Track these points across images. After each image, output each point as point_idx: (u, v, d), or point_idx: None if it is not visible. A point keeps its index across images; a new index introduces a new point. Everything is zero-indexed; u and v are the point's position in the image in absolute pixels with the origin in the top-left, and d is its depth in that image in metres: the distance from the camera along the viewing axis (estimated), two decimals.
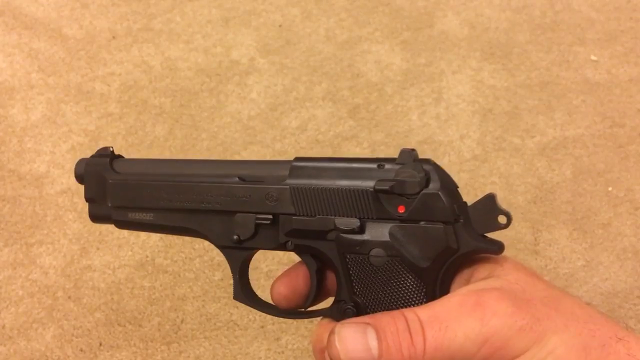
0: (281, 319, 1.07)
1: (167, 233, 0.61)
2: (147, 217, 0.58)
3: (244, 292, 0.57)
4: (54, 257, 1.15)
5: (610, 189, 1.24)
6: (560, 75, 1.40)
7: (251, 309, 1.08)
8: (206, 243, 1.17)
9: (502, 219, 0.47)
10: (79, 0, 1.53)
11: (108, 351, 1.06)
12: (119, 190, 0.58)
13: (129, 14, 1.51)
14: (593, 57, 1.44)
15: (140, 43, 1.46)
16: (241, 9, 1.52)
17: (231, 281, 1.19)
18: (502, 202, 1.28)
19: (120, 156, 0.62)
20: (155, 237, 1.17)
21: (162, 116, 1.34)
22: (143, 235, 1.17)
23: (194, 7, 1.52)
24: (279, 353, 1.06)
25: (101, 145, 1.28)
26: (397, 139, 1.31)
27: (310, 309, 0.55)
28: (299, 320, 1.08)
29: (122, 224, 0.60)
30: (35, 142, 1.30)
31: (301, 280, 0.56)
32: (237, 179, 0.54)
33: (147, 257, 1.15)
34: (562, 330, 0.42)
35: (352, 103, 1.36)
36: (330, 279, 0.57)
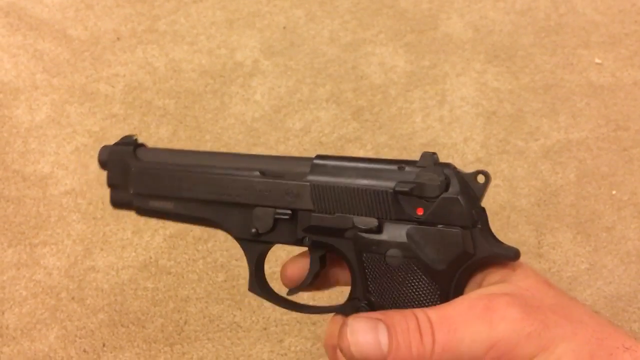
0: (284, 321, 1.08)
1: (186, 222, 0.61)
2: (168, 205, 0.58)
3: (259, 285, 0.57)
4: (57, 257, 1.15)
5: (614, 192, 1.24)
6: (565, 78, 1.40)
7: (254, 311, 1.09)
8: (209, 244, 1.17)
9: (480, 178, 0.48)
10: (84, 1, 1.53)
11: (111, 352, 1.06)
12: (142, 178, 0.59)
13: (133, 15, 1.51)
14: (597, 60, 1.43)
15: (145, 44, 1.46)
16: (245, 11, 1.53)
17: (234, 283, 1.19)
18: (506, 204, 1.27)
19: (143, 145, 0.63)
20: (158, 239, 1.17)
21: (166, 117, 1.35)
22: (146, 236, 1.17)
23: (198, 8, 1.53)
24: (282, 355, 1.06)
25: None
26: (401, 142, 1.31)
27: (323, 305, 0.56)
28: (302, 323, 1.08)
29: (143, 211, 0.60)
30: (40, 143, 1.30)
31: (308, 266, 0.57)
32: (258, 173, 0.55)
33: (150, 258, 1.15)
34: (570, 338, 0.42)
35: (355, 105, 1.36)
36: (334, 268, 0.58)
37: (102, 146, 0.63)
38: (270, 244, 0.56)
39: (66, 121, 1.34)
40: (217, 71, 1.42)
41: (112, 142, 1.38)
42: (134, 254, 1.16)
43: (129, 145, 0.61)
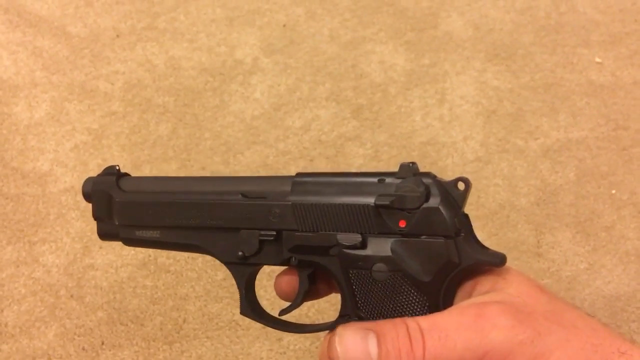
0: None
1: (174, 250, 0.62)
2: (153, 234, 0.59)
3: (251, 308, 0.58)
4: (56, 255, 1.15)
5: (613, 191, 1.24)
6: (565, 77, 1.40)
7: None
8: None
9: (460, 186, 0.48)
10: None
11: (110, 350, 1.06)
12: (126, 209, 0.59)
13: (133, 12, 1.51)
14: (597, 59, 1.43)
15: (144, 42, 1.46)
16: (245, 9, 1.52)
17: (233, 281, 1.19)
18: (506, 204, 1.27)
19: (126, 174, 0.63)
20: None
21: (166, 115, 1.34)
22: None
23: (198, 6, 1.52)
24: (280, 354, 1.06)
25: (104, 144, 1.29)
26: (401, 140, 1.31)
27: (315, 323, 0.56)
28: (301, 321, 1.08)
29: (129, 242, 0.61)
30: (39, 140, 1.30)
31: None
32: (240, 195, 0.55)
33: (149, 256, 1.15)
34: (563, 345, 0.42)
35: (355, 103, 1.36)
36: (324, 284, 0.58)
37: (86, 178, 0.63)
38: (258, 265, 0.57)
39: (65, 118, 1.33)
40: (217, 69, 1.42)
41: (110, 140, 1.38)
42: (133, 252, 1.16)
43: (112, 175, 0.61)
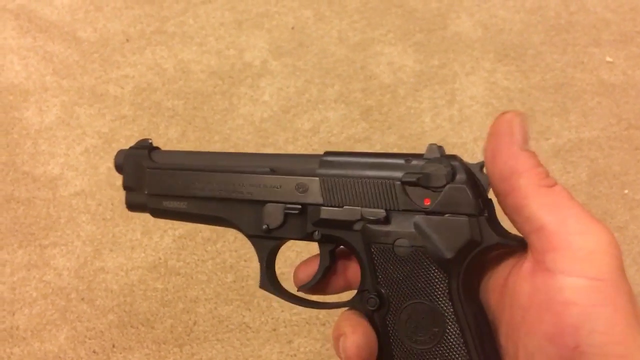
0: (293, 322, 1.07)
1: (199, 222, 0.62)
2: (181, 205, 0.60)
3: (270, 282, 0.58)
4: (67, 258, 1.16)
5: (626, 191, 1.22)
6: (575, 77, 1.39)
7: (263, 311, 1.08)
8: (218, 245, 1.17)
9: (486, 169, 0.49)
10: (93, 3, 1.54)
11: (121, 353, 1.06)
12: (156, 178, 0.61)
13: (142, 16, 1.51)
14: (608, 59, 1.42)
15: (154, 46, 1.47)
16: (254, 12, 1.53)
17: (243, 283, 1.19)
18: None
19: (158, 148, 0.64)
20: (167, 239, 1.17)
21: (175, 118, 1.35)
22: (156, 237, 1.17)
23: (207, 9, 1.53)
24: (291, 356, 1.05)
25: (115, 147, 1.29)
26: (410, 141, 1.30)
27: (332, 301, 0.56)
28: (312, 324, 1.08)
29: (157, 212, 0.62)
30: (50, 145, 1.30)
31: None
32: (268, 170, 0.56)
33: (159, 259, 1.15)
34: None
35: (364, 105, 1.36)
36: (347, 268, 0.58)
37: (118, 150, 0.64)
38: (281, 240, 0.57)
39: (76, 122, 1.34)
40: (226, 72, 1.42)
41: (120, 143, 1.39)
42: (143, 254, 1.16)
43: (144, 148, 0.63)
